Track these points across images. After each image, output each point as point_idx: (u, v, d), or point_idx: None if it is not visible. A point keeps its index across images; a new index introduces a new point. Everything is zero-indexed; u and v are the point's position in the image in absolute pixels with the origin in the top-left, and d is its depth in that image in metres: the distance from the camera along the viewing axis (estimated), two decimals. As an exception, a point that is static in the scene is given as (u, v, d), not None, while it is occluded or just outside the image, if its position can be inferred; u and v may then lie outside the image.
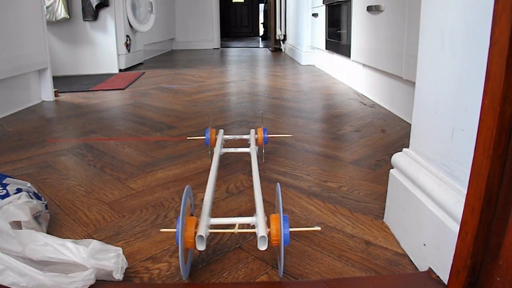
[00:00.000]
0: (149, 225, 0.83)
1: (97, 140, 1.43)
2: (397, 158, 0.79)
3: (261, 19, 9.39)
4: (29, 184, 0.80)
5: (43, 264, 0.60)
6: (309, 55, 3.73)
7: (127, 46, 3.42)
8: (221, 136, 1.11)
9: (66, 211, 0.89)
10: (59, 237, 0.65)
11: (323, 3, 3.06)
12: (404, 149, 0.78)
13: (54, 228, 0.82)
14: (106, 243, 0.65)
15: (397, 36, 1.66)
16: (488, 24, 0.46)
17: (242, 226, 0.65)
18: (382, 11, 1.83)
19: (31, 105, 2.06)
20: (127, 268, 0.67)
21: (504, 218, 0.47)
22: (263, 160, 1.18)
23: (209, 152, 1.20)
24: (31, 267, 0.56)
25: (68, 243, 0.60)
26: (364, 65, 2.21)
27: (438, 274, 0.62)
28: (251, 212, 0.82)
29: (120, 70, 3.36)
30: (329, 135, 1.46)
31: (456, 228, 0.55)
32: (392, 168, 0.81)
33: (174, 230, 0.61)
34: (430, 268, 0.63)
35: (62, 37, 3.18)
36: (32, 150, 1.32)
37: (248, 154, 1.11)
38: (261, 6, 9.31)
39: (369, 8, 1.97)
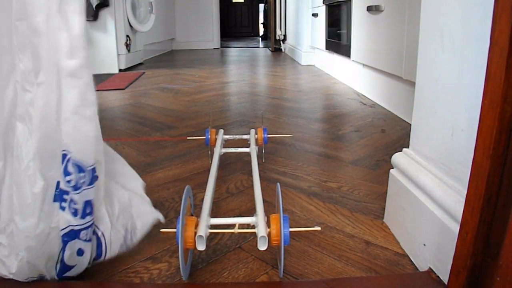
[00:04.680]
0: (149, 225, 0.83)
1: (97, 140, 1.43)
2: (397, 158, 0.79)
3: (261, 19, 9.39)
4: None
5: None
6: (309, 55, 3.73)
7: (127, 46, 3.42)
8: (221, 136, 1.11)
9: (66, 211, 0.89)
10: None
11: (323, 3, 3.06)
12: (404, 149, 0.78)
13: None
14: (106, 243, 0.65)
15: (397, 36, 1.66)
16: (488, 24, 0.46)
17: (242, 226, 0.65)
18: (382, 11, 1.83)
19: (31, 105, 2.06)
20: (127, 268, 0.67)
21: (504, 218, 0.47)
22: (263, 160, 1.18)
23: (209, 152, 1.20)
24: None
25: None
26: (364, 65, 2.21)
27: (438, 274, 0.62)
28: (251, 212, 0.82)
29: (120, 70, 3.36)
30: (329, 135, 1.46)
31: (456, 228, 0.55)
32: (392, 168, 0.81)
33: (174, 230, 0.61)
34: (430, 268, 0.64)
35: (62, 37, 3.17)
36: (32, 150, 1.32)
37: (248, 154, 1.11)
38: (261, 6, 9.31)
39: (369, 8, 1.97)
